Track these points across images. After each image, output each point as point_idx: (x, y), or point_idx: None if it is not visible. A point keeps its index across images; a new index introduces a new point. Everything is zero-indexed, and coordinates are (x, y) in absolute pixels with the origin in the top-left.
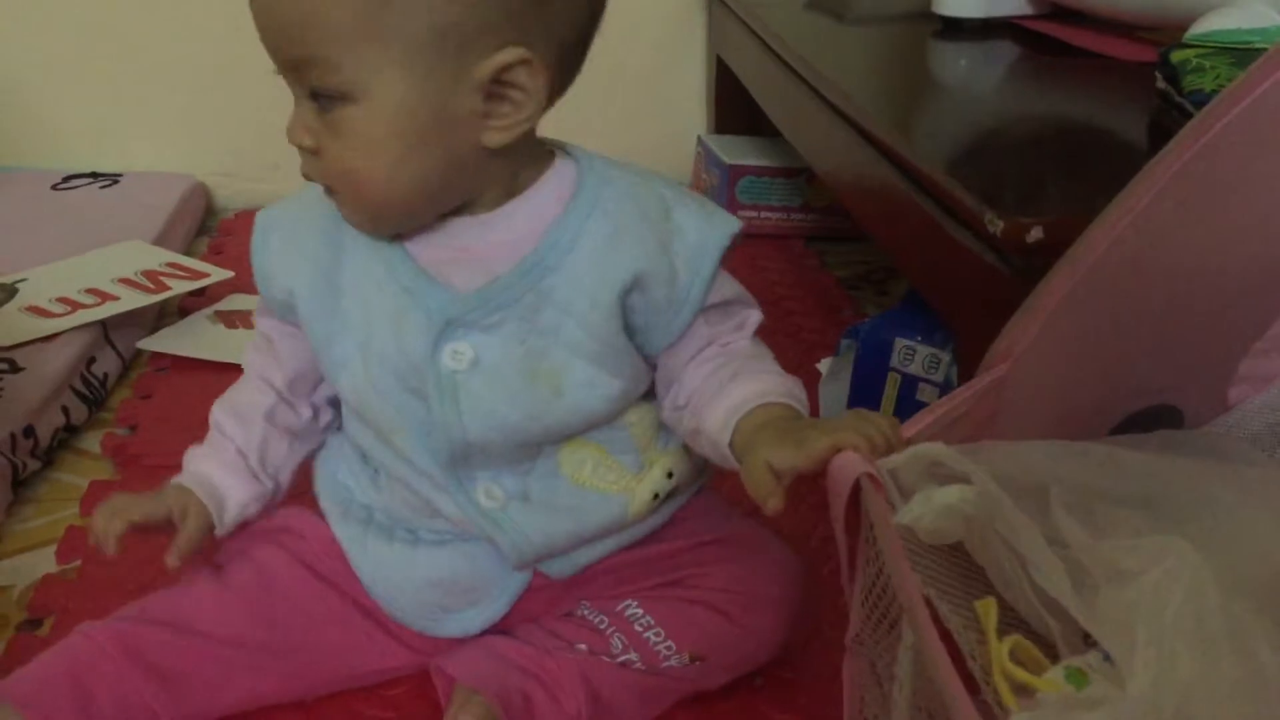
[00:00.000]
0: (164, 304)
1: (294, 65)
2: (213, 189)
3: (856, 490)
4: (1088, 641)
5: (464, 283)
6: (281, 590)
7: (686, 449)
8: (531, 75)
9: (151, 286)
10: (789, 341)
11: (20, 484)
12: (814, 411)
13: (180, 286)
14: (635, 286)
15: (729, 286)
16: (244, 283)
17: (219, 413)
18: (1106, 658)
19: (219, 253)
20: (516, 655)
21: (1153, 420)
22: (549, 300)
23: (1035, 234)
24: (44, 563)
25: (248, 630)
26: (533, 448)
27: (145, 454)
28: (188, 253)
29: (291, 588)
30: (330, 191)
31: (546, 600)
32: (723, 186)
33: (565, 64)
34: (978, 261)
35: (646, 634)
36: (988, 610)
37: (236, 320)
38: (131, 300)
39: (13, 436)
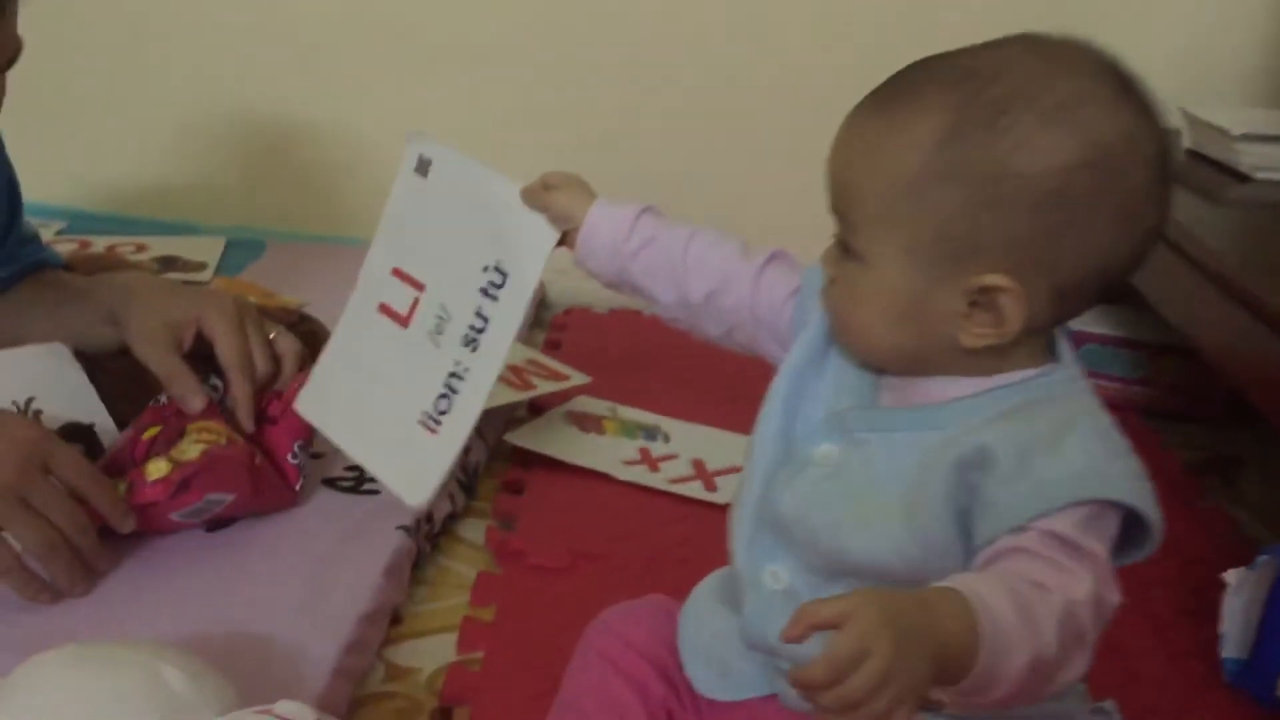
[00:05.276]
0: None
1: (835, 211)
2: (547, 284)
3: None
4: None
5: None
6: None
7: None
8: (1012, 302)
9: (518, 383)
10: None
11: (414, 567)
12: (1217, 622)
13: (545, 386)
14: (980, 464)
15: (1090, 537)
16: (594, 388)
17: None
18: None
19: (556, 347)
20: None
21: None
22: (915, 446)
23: None
24: (443, 648)
25: None
26: (826, 568)
27: (526, 552)
28: (526, 343)
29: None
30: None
31: None
32: None
33: (1058, 303)
34: None
35: None
36: None
37: (588, 424)
38: (503, 395)
39: (418, 521)
